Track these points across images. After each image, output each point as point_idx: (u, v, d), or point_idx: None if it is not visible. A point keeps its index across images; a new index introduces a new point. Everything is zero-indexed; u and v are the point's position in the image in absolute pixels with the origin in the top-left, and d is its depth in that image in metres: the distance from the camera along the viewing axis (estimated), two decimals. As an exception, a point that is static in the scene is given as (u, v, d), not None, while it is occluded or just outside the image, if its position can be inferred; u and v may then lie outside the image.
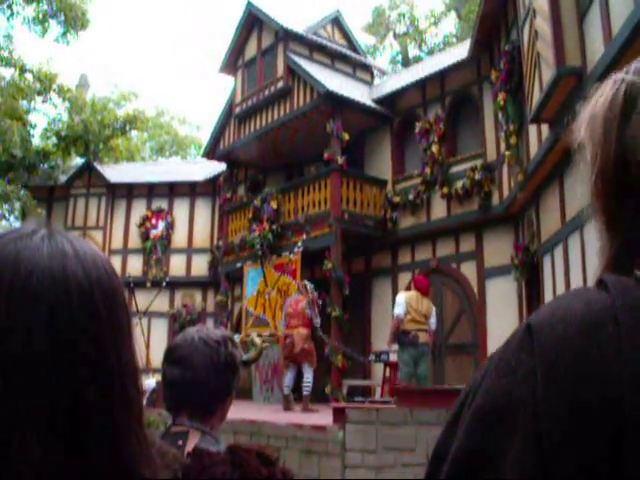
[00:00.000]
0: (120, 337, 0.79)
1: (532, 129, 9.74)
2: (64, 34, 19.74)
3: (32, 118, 23.62)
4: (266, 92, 15.99)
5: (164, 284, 17.77)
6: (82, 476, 0.70)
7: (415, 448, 6.83)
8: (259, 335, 13.42)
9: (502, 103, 10.78)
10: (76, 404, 0.71)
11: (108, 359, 0.76)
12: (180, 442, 1.77)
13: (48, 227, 0.80)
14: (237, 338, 13.13)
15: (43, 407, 0.69)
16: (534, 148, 9.74)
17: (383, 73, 20.32)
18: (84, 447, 0.71)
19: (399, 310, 9.44)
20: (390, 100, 14.92)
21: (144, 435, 0.80)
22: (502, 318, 12.09)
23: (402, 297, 9.59)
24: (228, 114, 17.62)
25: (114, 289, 0.80)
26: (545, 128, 8.90)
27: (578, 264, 8.47)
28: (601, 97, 0.83)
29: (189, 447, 1.73)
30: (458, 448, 0.69)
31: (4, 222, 22.02)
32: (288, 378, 11.00)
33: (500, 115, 11.24)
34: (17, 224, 21.89)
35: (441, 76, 13.94)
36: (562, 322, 0.68)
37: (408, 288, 9.71)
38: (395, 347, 10.60)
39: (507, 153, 10.80)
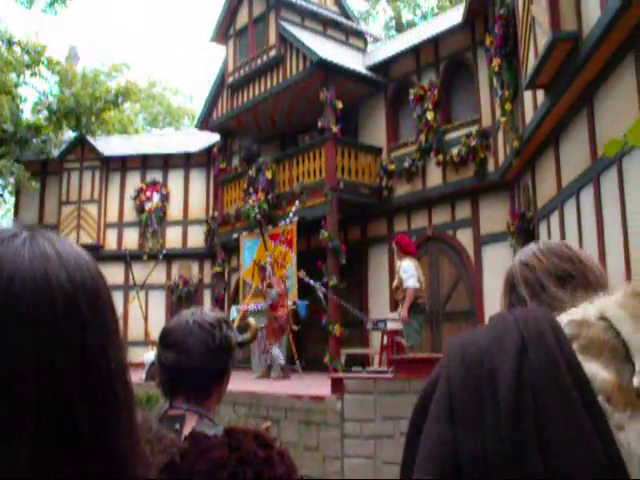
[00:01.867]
0: (107, 340, 0.77)
1: (527, 95, 9.66)
2: (51, 4, 19.46)
3: (22, 92, 23.39)
4: (258, 61, 15.83)
5: (161, 257, 17.76)
6: (76, 479, 0.69)
7: (414, 416, 6.86)
8: (253, 311, 13.49)
9: (497, 69, 10.68)
10: (65, 411, 0.70)
11: (96, 363, 0.74)
12: (177, 426, 1.77)
13: (29, 230, 0.78)
14: (235, 311, 13.33)
15: (31, 416, 0.68)
16: (529, 114, 9.67)
17: (376, 39, 20.09)
18: (74, 452, 0.70)
19: (414, 281, 9.11)
20: (384, 67, 14.79)
21: (136, 435, 0.79)
22: (498, 285, 12.00)
23: (411, 266, 9.23)
24: (221, 84, 17.47)
25: (99, 291, 0.78)
26: (540, 94, 8.82)
27: (574, 230, 8.47)
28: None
29: (186, 431, 1.73)
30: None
31: (-2, 197, 21.96)
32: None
33: (495, 81, 11.15)
34: (11, 199, 21.81)
35: (435, 42, 13.80)
36: (462, 339, 1.11)
37: (406, 254, 9.44)
38: (393, 315, 10.65)
39: (502, 119, 10.73)
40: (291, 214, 13.45)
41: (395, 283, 9.48)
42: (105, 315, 0.78)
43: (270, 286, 12.15)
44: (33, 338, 0.70)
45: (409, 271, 9.14)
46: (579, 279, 1.33)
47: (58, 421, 0.69)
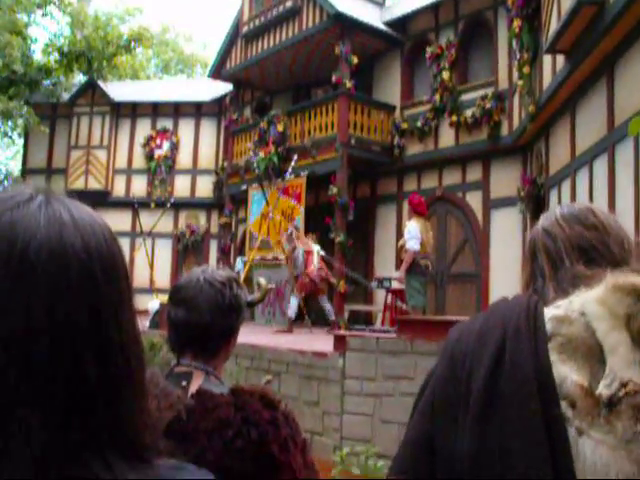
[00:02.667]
0: (121, 308, 0.77)
1: (547, 59, 9.49)
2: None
3: (32, 32, 23.15)
4: (274, 11, 15.57)
5: (168, 205, 17.74)
6: (83, 448, 0.70)
7: (414, 377, 6.93)
8: (260, 263, 13.53)
9: (517, 30, 10.47)
10: (77, 378, 0.70)
11: (109, 331, 0.74)
12: (184, 383, 1.78)
13: (45, 193, 0.77)
14: (241, 262, 13.44)
15: (43, 382, 0.68)
16: (547, 79, 9.52)
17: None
18: (85, 419, 0.71)
19: (415, 244, 9.02)
20: (401, 23, 14.53)
21: (146, 405, 0.80)
22: (505, 249, 12.12)
23: (416, 228, 9.12)
24: (235, 33, 17.22)
25: (114, 258, 0.78)
26: (560, 59, 8.67)
27: (585, 199, 8.41)
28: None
29: (193, 388, 1.74)
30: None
31: (6, 139, 21.88)
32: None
33: (514, 43, 10.94)
34: (20, 141, 21.75)
35: (455, -1, 13.54)
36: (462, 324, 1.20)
37: (415, 213, 9.40)
38: (397, 274, 10.67)
39: (519, 83, 10.56)
40: (290, 169, 13.39)
41: (400, 242, 9.49)
42: (119, 283, 0.78)
43: (293, 249, 12.37)
44: (47, 304, 0.70)
45: (412, 232, 9.11)
46: (602, 251, 1.25)
47: (70, 386, 0.70)
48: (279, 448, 1.59)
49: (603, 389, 0.97)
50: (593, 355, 1.01)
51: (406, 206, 14.06)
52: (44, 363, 0.69)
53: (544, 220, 1.38)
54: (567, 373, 1.00)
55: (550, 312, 1.09)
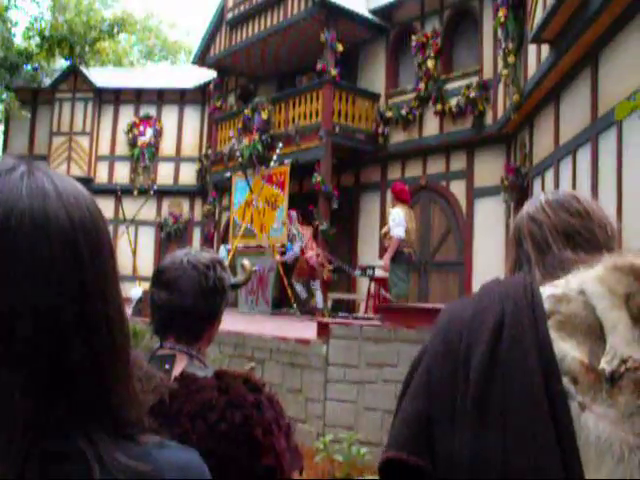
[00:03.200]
0: (105, 282, 0.76)
1: (531, 49, 9.51)
2: None
3: (12, 15, 22.85)
4: (259, -3, 15.47)
5: (152, 192, 17.65)
6: (67, 423, 0.69)
7: (397, 364, 6.95)
8: (243, 252, 13.55)
9: (503, 20, 10.48)
10: (60, 349, 0.69)
11: (93, 306, 0.73)
12: (167, 366, 1.77)
13: (28, 163, 0.75)
14: (224, 250, 13.50)
15: (26, 353, 0.68)
16: (532, 69, 9.54)
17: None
18: (69, 393, 0.70)
19: (400, 231, 8.96)
20: (387, 11, 14.48)
21: (131, 381, 0.79)
22: (489, 238, 12.17)
23: (401, 215, 9.06)
24: (219, 20, 17.11)
25: (98, 231, 0.76)
26: (545, 49, 8.69)
27: (569, 188, 8.43)
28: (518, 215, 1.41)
29: (176, 371, 1.73)
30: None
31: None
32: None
33: (500, 32, 10.95)
34: (0, 126, 21.51)
35: (441, -12, 13.50)
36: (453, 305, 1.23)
37: (398, 200, 9.37)
38: (381, 262, 10.69)
39: (504, 72, 10.59)
40: (275, 157, 13.40)
41: (384, 229, 9.44)
42: (104, 256, 0.76)
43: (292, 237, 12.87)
44: (30, 276, 0.68)
45: (397, 219, 9.05)
46: (587, 237, 1.28)
47: (54, 360, 0.69)
48: (263, 431, 1.59)
49: (605, 365, 0.98)
50: (592, 332, 1.02)
51: (390, 194, 14.17)
52: (27, 335, 0.67)
53: (529, 207, 1.39)
54: (567, 350, 1.01)
55: (547, 291, 1.10)
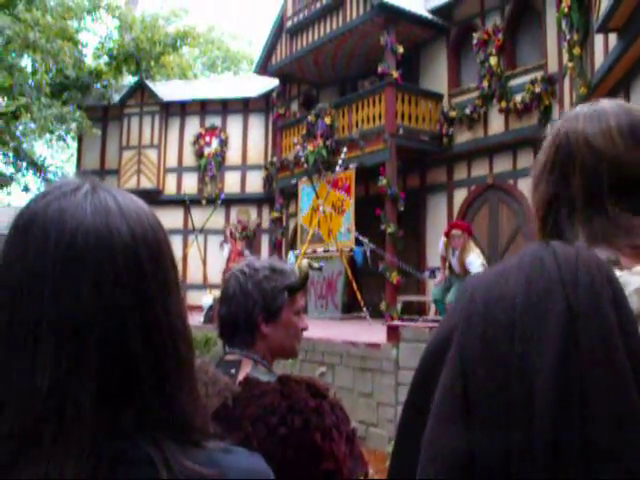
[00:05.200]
0: (167, 293, 0.79)
1: (598, 39, 9.24)
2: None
3: (83, 38, 23.67)
4: (318, 4, 15.56)
5: (219, 201, 17.91)
6: (134, 429, 0.73)
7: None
8: (311, 256, 13.60)
9: (566, 10, 10.22)
10: (126, 358, 0.73)
11: (156, 316, 0.76)
12: (233, 371, 1.80)
13: (91, 182, 0.80)
14: (293, 256, 13.63)
15: (94, 366, 0.71)
16: (599, 59, 9.27)
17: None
18: (134, 400, 0.73)
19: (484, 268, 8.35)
20: (446, 10, 14.35)
21: (196, 388, 0.82)
22: (560, 236, 11.88)
23: (479, 261, 8.57)
24: (279, 28, 17.27)
25: (159, 244, 0.80)
26: (613, 38, 8.43)
27: None
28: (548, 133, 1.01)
29: (241, 376, 1.75)
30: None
31: (61, 142, 22.37)
32: None
33: (564, 24, 10.68)
34: (74, 144, 22.23)
35: (501, -17, 13.29)
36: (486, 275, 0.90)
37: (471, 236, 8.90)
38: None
39: (570, 65, 10.32)
40: (340, 161, 13.42)
41: (452, 262, 8.93)
42: (166, 268, 0.80)
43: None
44: (95, 291, 0.72)
45: (479, 262, 8.55)
46: None
47: (119, 367, 0.72)
48: (322, 436, 1.60)
49: None
50: None
51: (457, 196, 14.00)
52: (94, 345, 0.71)
53: (584, 122, 0.97)
54: None
55: (633, 280, 0.80)
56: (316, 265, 2.47)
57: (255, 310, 1.84)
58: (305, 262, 2.14)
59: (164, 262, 0.79)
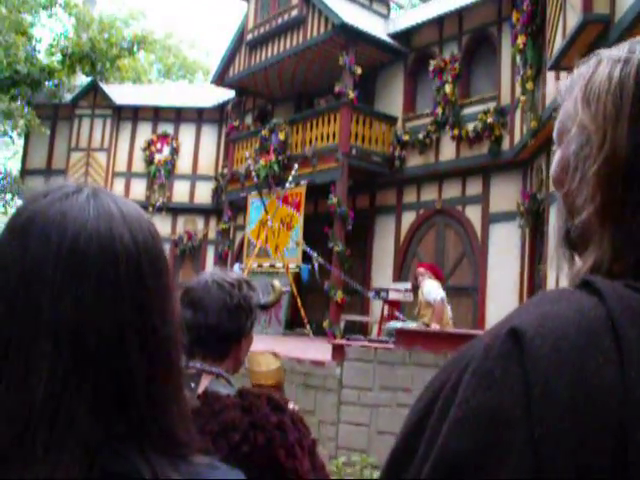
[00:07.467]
0: (165, 301, 0.78)
1: (550, 76, 9.53)
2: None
3: (37, 33, 23.23)
4: (279, 20, 15.63)
5: (164, 210, 17.71)
6: (124, 442, 0.71)
7: (412, 388, 6.92)
8: (256, 271, 13.55)
9: (521, 46, 10.52)
10: (122, 368, 0.72)
11: (153, 323, 0.75)
12: (192, 384, 1.77)
13: (91, 186, 0.79)
14: (238, 268, 13.55)
15: (92, 369, 0.70)
16: (550, 95, 9.55)
17: (400, 7, 19.81)
18: (128, 411, 0.72)
19: (440, 293, 8.67)
20: (406, 35, 14.59)
21: (184, 400, 0.81)
22: (504, 264, 12.13)
23: (434, 284, 8.79)
24: (239, 41, 17.28)
25: (159, 252, 0.80)
26: (564, 76, 8.70)
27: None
28: (598, 75, 0.75)
29: (200, 390, 1.73)
30: (443, 452, 0.60)
31: (6, 138, 21.84)
32: None
33: (518, 59, 10.99)
34: (20, 141, 21.72)
35: (460, 14, 13.57)
36: (554, 332, 0.59)
37: (434, 276, 9.13)
38: (395, 285, 10.65)
39: (522, 98, 10.60)
40: (291, 177, 13.48)
41: (419, 304, 9.03)
42: (164, 276, 0.79)
43: None
44: (96, 295, 0.71)
45: (432, 290, 8.74)
46: None
47: (115, 377, 0.71)
48: (286, 454, 1.59)
49: None
50: None
51: (405, 218, 14.16)
52: (91, 353, 0.70)
53: None
54: None
55: None
56: (284, 289, 2.49)
57: (247, 325, 1.84)
58: (277, 283, 2.15)
59: (163, 271, 0.79)
